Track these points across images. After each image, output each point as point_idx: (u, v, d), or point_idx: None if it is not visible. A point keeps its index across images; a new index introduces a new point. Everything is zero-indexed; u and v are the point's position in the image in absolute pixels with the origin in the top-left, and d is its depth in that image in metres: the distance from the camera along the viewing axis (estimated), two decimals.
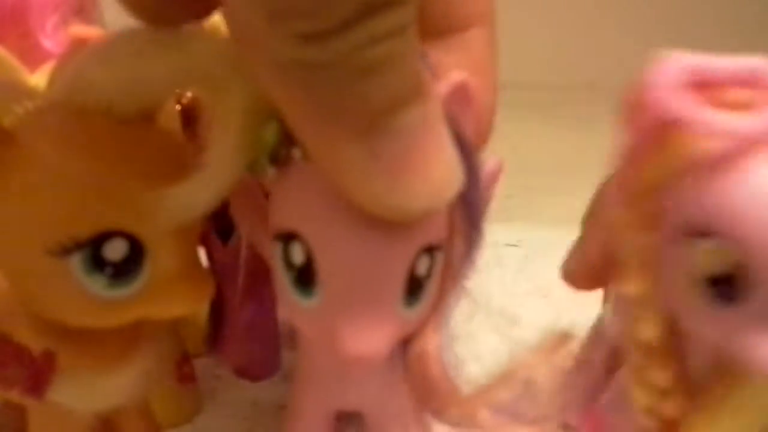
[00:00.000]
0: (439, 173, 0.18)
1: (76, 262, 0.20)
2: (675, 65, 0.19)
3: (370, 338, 0.20)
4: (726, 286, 0.19)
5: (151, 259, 0.20)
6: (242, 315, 0.33)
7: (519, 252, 0.40)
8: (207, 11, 0.21)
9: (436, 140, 0.18)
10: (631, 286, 0.20)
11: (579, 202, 0.24)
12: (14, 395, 0.23)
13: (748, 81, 0.19)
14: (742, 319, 0.19)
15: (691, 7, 0.88)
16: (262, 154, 0.20)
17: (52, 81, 0.21)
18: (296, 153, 0.20)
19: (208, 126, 0.21)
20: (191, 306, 0.21)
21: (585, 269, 0.24)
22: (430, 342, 0.22)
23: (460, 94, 0.20)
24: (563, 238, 0.26)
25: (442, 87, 0.20)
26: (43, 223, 0.19)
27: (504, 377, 0.21)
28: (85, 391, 0.22)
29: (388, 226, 0.19)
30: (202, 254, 0.31)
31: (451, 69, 0.20)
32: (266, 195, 0.22)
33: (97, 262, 0.20)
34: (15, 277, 0.21)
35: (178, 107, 0.23)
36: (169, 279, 0.21)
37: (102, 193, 0.19)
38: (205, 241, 0.32)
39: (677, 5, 0.88)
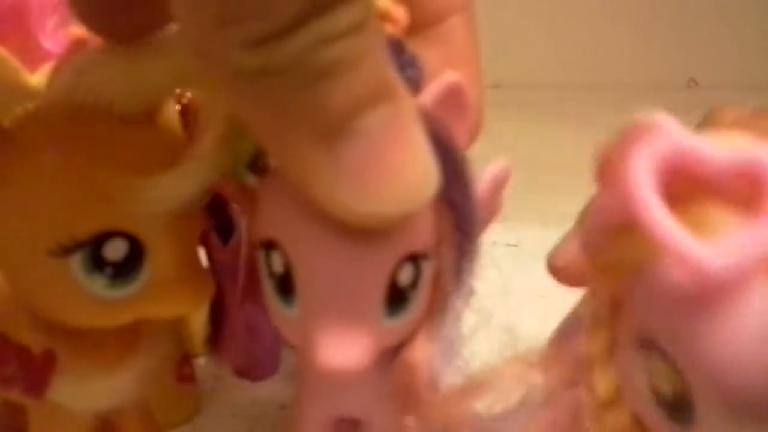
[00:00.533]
0: (411, 176, 0.17)
1: (76, 262, 0.20)
2: (656, 146, 0.16)
3: (347, 350, 0.19)
4: (672, 406, 0.17)
5: (151, 259, 0.20)
6: (242, 315, 0.33)
7: (518, 252, 0.40)
8: (156, 26, 0.20)
9: (406, 142, 0.17)
10: (590, 344, 0.19)
11: (579, 202, 0.24)
12: (14, 395, 0.23)
13: (744, 176, 0.15)
14: None
15: (692, 7, 0.88)
16: (240, 162, 0.20)
17: (52, 81, 0.21)
18: (271, 161, 0.20)
19: (203, 125, 0.21)
20: (191, 306, 0.21)
21: (569, 266, 0.23)
22: (421, 352, 0.22)
23: (453, 97, 0.20)
24: None
25: (432, 89, 0.20)
26: (43, 223, 0.19)
27: (479, 383, 0.21)
28: (85, 391, 0.22)
29: (367, 235, 0.18)
30: (202, 254, 0.31)
31: (433, 63, 0.20)
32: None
33: (97, 262, 0.20)
34: (15, 277, 0.21)
35: (178, 107, 0.23)
36: (169, 279, 0.21)
37: (102, 193, 0.19)
38: (205, 241, 0.32)
39: (677, 5, 0.88)
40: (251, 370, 0.34)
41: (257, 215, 0.21)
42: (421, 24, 0.22)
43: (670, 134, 0.16)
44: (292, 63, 0.15)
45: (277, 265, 0.20)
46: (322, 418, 0.24)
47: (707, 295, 0.15)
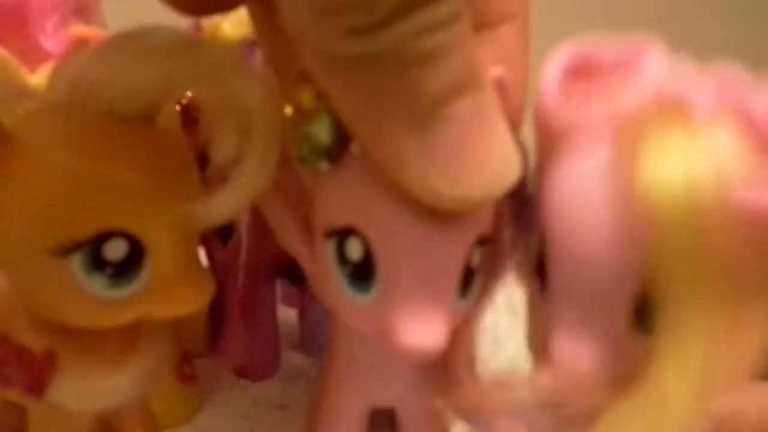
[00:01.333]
0: (495, 162, 0.18)
1: (76, 262, 0.20)
2: (560, 55, 0.20)
3: (430, 331, 0.20)
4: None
5: (151, 259, 0.20)
6: (242, 315, 0.33)
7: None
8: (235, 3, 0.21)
9: (492, 129, 0.18)
10: None
11: None
12: (14, 395, 0.23)
13: (628, 64, 0.19)
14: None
15: (691, 7, 0.88)
16: (315, 152, 0.20)
17: (52, 81, 0.21)
18: (353, 148, 0.20)
19: (210, 127, 0.21)
20: (191, 306, 0.21)
21: None
22: (465, 336, 0.22)
23: (497, 91, 0.20)
24: None
25: None
26: (43, 223, 0.19)
27: (526, 381, 0.21)
28: (85, 391, 0.22)
29: (447, 218, 0.19)
30: (202, 254, 0.31)
31: (485, 64, 0.20)
32: (303, 193, 0.23)
33: (97, 262, 0.20)
34: (15, 277, 0.21)
35: (178, 107, 0.23)
36: (169, 279, 0.21)
37: (102, 193, 0.19)
38: (205, 241, 0.32)
39: (677, 5, 0.88)
40: (251, 370, 0.35)
41: (328, 204, 0.21)
42: (475, 26, 0.22)
43: (573, 44, 0.20)
44: (391, 51, 0.16)
45: (355, 251, 0.20)
46: (358, 408, 0.25)
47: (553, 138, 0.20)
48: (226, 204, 0.20)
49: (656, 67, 0.19)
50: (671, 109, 0.18)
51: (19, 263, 0.21)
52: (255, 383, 0.35)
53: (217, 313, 0.34)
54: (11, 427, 0.25)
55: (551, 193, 0.19)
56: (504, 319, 0.24)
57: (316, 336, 0.35)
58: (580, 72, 0.20)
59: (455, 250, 0.20)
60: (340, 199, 0.20)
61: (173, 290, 0.21)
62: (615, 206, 0.18)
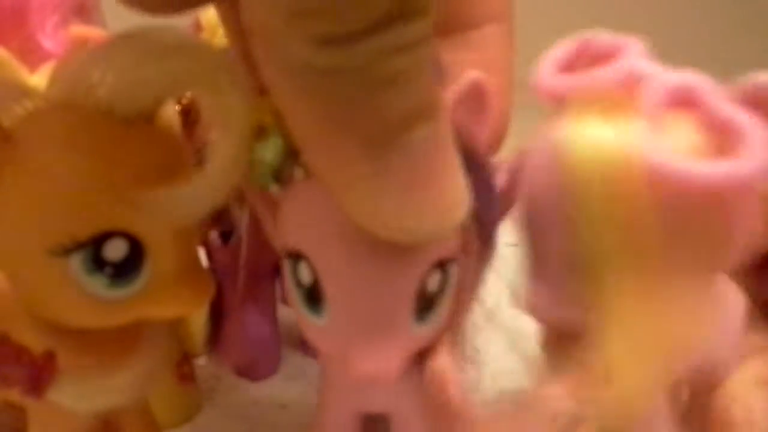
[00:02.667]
0: (449, 194, 0.17)
1: (76, 262, 0.20)
2: (558, 47, 0.22)
3: (380, 357, 0.20)
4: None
5: (151, 259, 0.20)
6: (242, 315, 0.33)
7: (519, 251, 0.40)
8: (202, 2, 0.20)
9: (447, 160, 0.17)
10: None
11: None
12: (14, 395, 0.23)
13: (610, 54, 0.21)
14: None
15: (691, 6, 0.88)
16: (264, 172, 0.20)
17: (52, 81, 0.21)
18: (298, 172, 0.20)
19: (207, 127, 0.21)
20: (191, 306, 0.21)
21: None
22: (445, 360, 0.22)
23: (475, 95, 0.20)
24: None
25: (456, 87, 0.20)
26: (43, 223, 0.19)
27: (526, 406, 0.21)
28: (85, 391, 0.22)
29: (395, 245, 0.18)
30: (202, 254, 0.31)
31: (463, 68, 0.20)
32: None
33: (97, 262, 0.20)
34: (15, 277, 0.21)
35: (178, 107, 0.23)
36: (169, 279, 0.21)
37: (102, 193, 0.19)
38: (205, 241, 0.32)
39: (677, 5, 0.88)
40: (251, 370, 0.35)
41: (282, 225, 0.21)
42: (456, 27, 0.22)
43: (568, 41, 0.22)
44: (359, 68, 0.15)
45: (305, 276, 0.20)
46: (348, 413, 0.25)
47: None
48: (194, 194, 0.20)
49: (629, 60, 0.20)
50: (623, 91, 0.19)
51: (19, 263, 0.21)
52: (255, 383, 0.35)
53: (217, 313, 0.34)
54: (11, 427, 0.25)
55: (526, 164, 0.21)
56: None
57: None
58: (578, 60, 0.21)
59: (404, 277, 0.19)
60: (289, 222, 0.20)
61: (173, 290, 0.21)
62: (552, 174, 0.19)
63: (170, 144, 0.21)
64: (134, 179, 0.19)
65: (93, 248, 0.19)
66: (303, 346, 0.36)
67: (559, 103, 0.20)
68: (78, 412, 0.23)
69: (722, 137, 0.18)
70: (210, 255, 0.33)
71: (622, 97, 0.19)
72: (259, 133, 0.20)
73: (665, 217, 0.18)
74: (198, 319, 0.34)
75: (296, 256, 0.20)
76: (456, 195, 0.17)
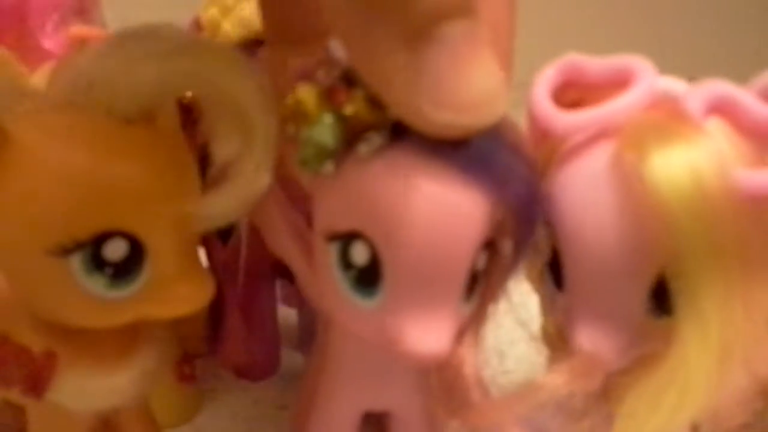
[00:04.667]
0: (484, 90, 0.17)
1: (76, 262, 0.20)
2: (550, 71, 0.21)
3: (437, 338, 0.19)
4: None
5: (151, 259, 0.20)
6: (242, 315, 0.33)
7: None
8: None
9: (482, 59, 0.17)
10: None
11: None
12: (14, 395, 0.23)
13: (616, 79, 0.21)
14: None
15: (691, 7, 0.88)
16: (318, 155, 0.20)
17: (52, 81, 0.21)
18: (361, 149, 0.19)
19: (209, 127, 0.21)
20: (191, 306, 0.21)
21: None
22: (468, 347, 0.22)
23: None
24: None
25: None
26: (43, 223, 0.19)
27: (532, 389, 0.21)
28: (85, 391, 0.22)
29: (454, 222, 0.19)
30: (202, 254, 0.31)
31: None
32: (298, 197, 0.22)
33: (97, 262, 0.20)
34: (15, 277, 0.21)
35: (178, 107, 0.23)
36: (169, 279, 0.21)
37: (102, 193, 0.19)
38: (205, 241, 0.32)
39: (677, 5, 0.88)
40: (251, 370, 0.35)
41: (330, 207, 0.20)
42: None
43: (565, 59, 0.22)
44: None
45: (361, 256, 0.20)
46: (352, 411, 0.25)
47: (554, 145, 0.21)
48: (223, 204, 0.20)
49: (649, 79, 0.20)
50: (667, 113, 0.19)
51: (19, 263, 0.21)
52: (255, 383, 0.34)
53: (217, 313, 0.33)
54: (11, 427, 0.25)
55: (559, 194, 0.20)
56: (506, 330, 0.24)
57: (316, 336, 0.35)
58: (571, 85, 0.21)
59: (463, 254, 0.19)
60: (345, 202, 0.20)
61: (173, 290, 0.21)
62: (624, 202, 0.19)
63: (170, 144, 0.21)
64: (135, 179, 0.19)
65: (93, 248, 0.19)
66: (303, 346, 0.36)
67: (566, 139, 0.21)
68: (78, 412, 0.23)
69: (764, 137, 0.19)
70: (210, 255, 0.33)
71: (670, 117, 0.19)
72: (301, 118, 0.19)
73: (756, 226, 0.18)
74: (198, 319, 0.34)
75: (349, 237, 0.20)
76: (490, 91, 0.18)
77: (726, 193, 0.18)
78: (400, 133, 0.19)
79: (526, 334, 0.23)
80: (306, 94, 0.19)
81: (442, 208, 0.18)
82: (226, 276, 0.33)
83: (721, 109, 0.19)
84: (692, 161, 0.18)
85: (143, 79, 0.19)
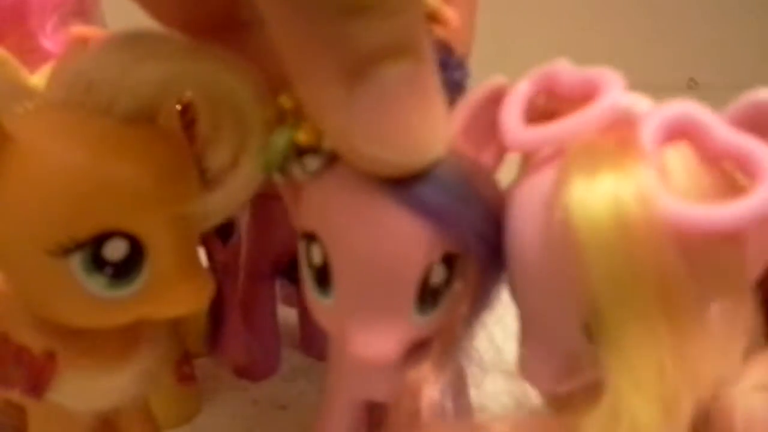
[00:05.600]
0: (421, 132, 0.18)
1: (76, 262, 0.20)
2: (527, 80, 0.20)
3: (379, 343, 0.20)
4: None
5: (151, 259, 0.20)
6: (242, 315, 0.33)
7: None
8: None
9: (420, 101, 0.17)
10: None
11: None
12: (14, 395, 0.23)
13: (585, 92, 0.19)
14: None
15: (692, 7, 0.88)
16: (271, 159, 0.20)
17: (51, 81, 0.21)
18: (313, 161, 0.20)
19: (206, 129, 0.21)
20: (192, 306, 0.21)
21: None
22: (429, 371, 0.21)
23: (498, 99, 0.20)
24: None
25: (478, 91, 0.20)
26: (43, 223, 0.19)
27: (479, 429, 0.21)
28: (85, 391, 0.22)
29: (404, 234, 0.19)
30: (202, 254, 0.31)
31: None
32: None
33: (97, 262, 0.20)
34: (15, 277, 0.21)
35: (178, 107, 0.23)
36: (170, 279, 0.21)
37: (102, 193, 0.19)
38: (205, 241, 0.32)
39: (677, 5, 0.88)
40: (251, 370, 0.34)
41: (302, 209, 0.21)
42: None
43: (543, 69, 0.20)
44: None
45: (317, 256, 0.20)
46: (351, 400, 0.25)
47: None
48: (222, 203, 0.20)
49: (612, 97, 0.19)
50: (614, 136, 0.18)
51: (19, 263, 0.21)
52: (255, 383, 0.34)
53: (217, 313, 0.33)
54: (11, 427, 0.25)
55: (508, 212, 0.20)
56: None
57: (316, 336, 0.35)
58: (549, 95, 0.20)
59: (409, 266, 0.20)
60: (307, 205, 0.21)
61: (173, 290, 0.21)
62: (551, 228, 0.18)
63: (170, 144, 0.21)
64: (134, 179, 0.19)
65: (93, 248, 0.19)
66: (303, 346, 0.36)
67: (530, 154, 0.20)
68: (78, 412, 0.23)
69: (732, 165, 0.18)
70: (210, 255, 0.33)
71: (617, 142, 0.18)
72: (279, 119, 0.20)
73: (687, 260, 0.17)
74: (198, 319, 0.34)
75: (310, 237, 0.21)
76: (426, 134, 0.18)
77: (649, 228, 0.16)
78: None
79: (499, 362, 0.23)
80: (283, 102, 0.20)
81: (382, 229, 0.19)
82: (226, 276, 0.33)
83: (685, 133, 0.18)
84: (613, 193, 0.17)
85: (143, 79, 0.19)
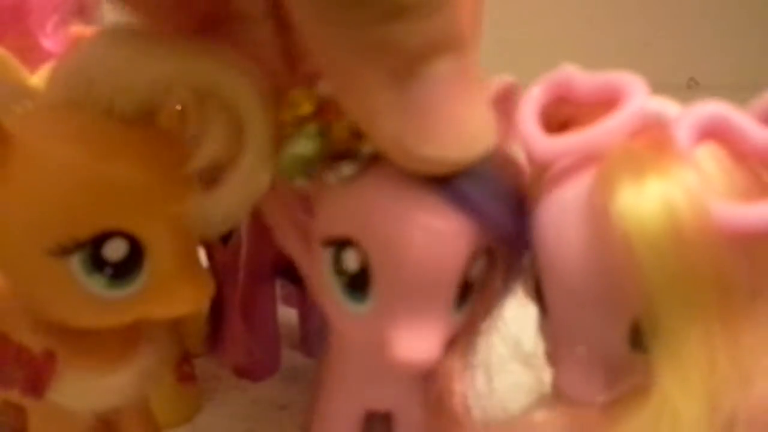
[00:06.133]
0: (471, 126, 0.18)
1: (76, 262, 0.19)
2: (540, 86, 0.20)
3: (424, 345, 0.20)
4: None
5: (151, 259, 0.20)
6: (242, 315, 0.33)
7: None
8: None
9: (470, 94, 0.17)
10: None
11: None
12: (14, 395, 0.22)
13: (605, 98, 0.19)
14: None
15: (691, 7, 0.88)
16: (295, 165, 0.20)
17: (51, 80, 0.21)
18: (347, 168, 0.19)
19: (201, 128, 0.20)
20: (191, 306, 0.21)
21: None
22: (458, 359, 0.22)
23: (508, 97, 0.20)
24: None
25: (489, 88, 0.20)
26: (43, 223, 0.19)
27: (525, 424, 0.21)
28: (85, 391, 0.22)
29: (446, 231, 0.19)
30: (202, 254, 0.31)
31: None
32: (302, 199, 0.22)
33: (96, 262, 0.20)
34: (15, 277, 0.21)
35: (178, 107, 0.23)
36: (169, 279, 0.21)
37: (101, 193, 0.19)
38: (205, 241, 0.32)
39: (677, 5, 0.88)
40: (251, 370, 0.34)
41: (327, 212, 0.21)
42: None
43: (554, 75, 0.20)
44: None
45: (351, 262, 0.20)
46: (354, 411, 0.25)
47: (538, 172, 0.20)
48: (221, 205, 0.20)
49: (638, 101, 0.19)
50: (651, 140, 0.18)
51: (19, 263, 0.20)
52: (255, 383, 0.34)
53: (217, 313, 0.33)
54: (11, 427, 0.25)
55: (538, 222, 0.19)
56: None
57: (316, 336, 0.34)
58: (563, 100, 0.20)
59: (453, 263, 0.19)
60: (338, 210, 0.20)
61: (172, 290, 0.21)
62: (595, 238, 0.18)
63: (170, 144, 0.21)
64: (134, 179, 0.19)
65: (93, 248, 0.19)
66: (303, 346, 0.36)
67: (552, 163, 0.20)
68: (78, 412, 0.23)
69: (760, 163, 0.18)
70: (210, 255, 0.33)
71: (654, 145, 0.18)
72: (298, 123, 0.19)
73: (738, 261, 0.17)
74: (198, 319, 0.34)
75: (342, 243, 0.20)
76: (479, 127, 0.18)
77: (703, 230, 0.17)
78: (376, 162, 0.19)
79: (517, 353, 0.23)
80: (298, 98, 0.19)
81: (428, 230, 0.19)
82: (226, 276, 0.33)
83: (715, 134, 0.18)
84: (665, 198, 0.17)
85: (142, 78, 0.19)
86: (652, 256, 0.17)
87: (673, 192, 0.17)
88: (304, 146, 0.19)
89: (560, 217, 0.19)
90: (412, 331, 0.19)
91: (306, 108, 0.19)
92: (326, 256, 0.20)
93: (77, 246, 0.19)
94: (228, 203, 0.20)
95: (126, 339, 0.23)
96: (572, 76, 0.20)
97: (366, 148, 0.19)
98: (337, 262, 0.20)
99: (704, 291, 0.17)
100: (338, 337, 0.25)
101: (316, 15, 0.16)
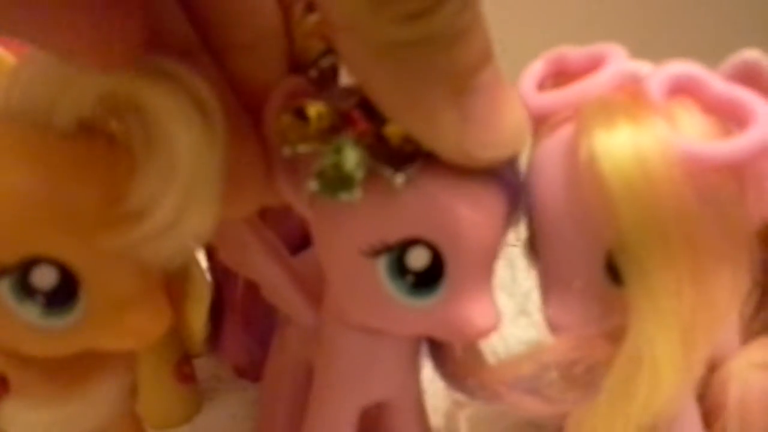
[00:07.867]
0: (516, 123, 0.18)
1: (5, 288, 0.16)
2: (540, 60, 0.22)
3: (494, 311, 0.20)
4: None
5: (88, 289, 0.16)
6: (242, 315, 0.30)
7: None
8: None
9: (508, 93, 0.18)
10: None
11: None
12: None
13: (592, 65, 0.20)
14: None
15: (691, 6, 0.84)
16: (344, 182, 0.18)
17: None
18: (397, 179, 0.18)
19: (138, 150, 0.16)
20: (143, 337, 0.17)
21: None
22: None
23: None
24: None
25: None
26: None
27: (528, 356, 0.21)
28: (36, 420, 0.18)
29: (500, 212, 0.19)
30: (201, 255, 0.28)
31: None
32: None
33: (26, 290, 0.16)
34: None
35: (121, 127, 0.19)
36: (115, 309, 0.17)
37: (27, 216, 0.15)
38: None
39: (676, 5, 0.84)
40: (251, 370, 0.32)
41: (374, 223, 0.19)
42: None
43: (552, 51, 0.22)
44: (439, 32, 0.15)
45: (420, 259, 0.19)
46: (354, 405, 0.24)
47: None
48: (160, 242, 0.16)
49: (618, 64, 0.20)
50: (628, 94, 0.19)
51: None
52: (255, 383, 0.32)
53: (217, 313, 0.31)
54: None
55: (529, 167, 0.20)
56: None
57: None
58: (559, 74, 0.21)
59: (497, 242, 0.20)
60: (399, 212, 0.19)
61: (121, 321, 0.17)
62: (572, 174, 0.19)
63: (114, 158, 0.16)
64: (65, 202, 0.15)
65: (20, 275, 0.16)
66: None
67: (543, 119, 0.20)
68: None
69: (728, 115, 0.18)
70: (210, 255, 0.30)
71: (628, 97, 0.19)
72: (323, 137, 0.18)
73: (701, 199, 0.17)
74: (198, 319, 0.31)
75: (408, 244, 0.19)
76: (520, 124, 0.18)
77: (670, 172, 0.17)
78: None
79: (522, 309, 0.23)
80: (317, 112, 0.18)
81: (489, 214, 0.19)
82: (226, 276, 0.30)
83: (685, 88, 0.19)
84: (636, 141, 0.17)
85: (82, 92, 0.15)
86: (621, 191, 0.17)
87: (641, 134, 0.17)
88: (347, 159, 0.18)
89: (546, 159, 0.20)
90: (483, 302, 0.20)
91: (325, 121, 0.18)
92: (379, 264, 0.19)
93: (3, 271, 0.16)
94: (164, 242, 0.16)
95: (82, 367, 0.18)
96: (566, 52, 0.21)
97: (420, 149, 0.18)
98: (399, 264, 0.19)
99: (670, 225, 0.17)
100: (340, 337, 0.23)
101: (378, 58, 0.16)
